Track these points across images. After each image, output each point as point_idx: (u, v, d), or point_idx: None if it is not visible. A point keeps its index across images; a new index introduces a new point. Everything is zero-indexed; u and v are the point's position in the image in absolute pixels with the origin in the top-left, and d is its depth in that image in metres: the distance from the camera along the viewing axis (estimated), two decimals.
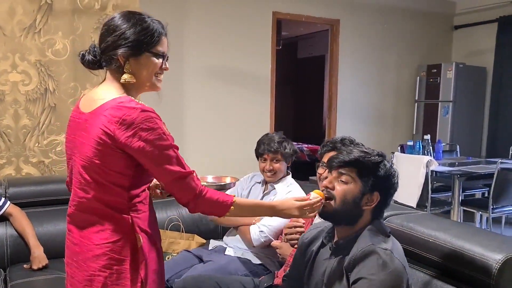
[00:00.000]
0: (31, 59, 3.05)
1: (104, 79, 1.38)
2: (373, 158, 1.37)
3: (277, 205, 1.43)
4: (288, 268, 1.67)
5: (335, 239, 1.44)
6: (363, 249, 1.29)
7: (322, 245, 1.48)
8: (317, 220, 1.67)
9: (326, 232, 1.48)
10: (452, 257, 1.53)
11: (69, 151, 1.38)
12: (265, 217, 2.17)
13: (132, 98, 1.30)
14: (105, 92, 1.32)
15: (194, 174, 1.32)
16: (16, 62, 3.03)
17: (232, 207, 1.35)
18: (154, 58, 1.33)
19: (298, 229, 1.88)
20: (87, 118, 1.31)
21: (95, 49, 1.33)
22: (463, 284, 1.51)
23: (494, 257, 1.42)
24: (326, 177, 1.69)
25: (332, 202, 1.39)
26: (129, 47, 1.29)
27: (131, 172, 1.29)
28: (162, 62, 1.36)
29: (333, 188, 1.39)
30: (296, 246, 1.86)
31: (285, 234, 1.93)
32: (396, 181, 1.41)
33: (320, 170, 1.93)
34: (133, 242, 1.32)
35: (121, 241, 1.30)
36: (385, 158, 1.42)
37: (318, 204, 1.38)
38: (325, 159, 1.89)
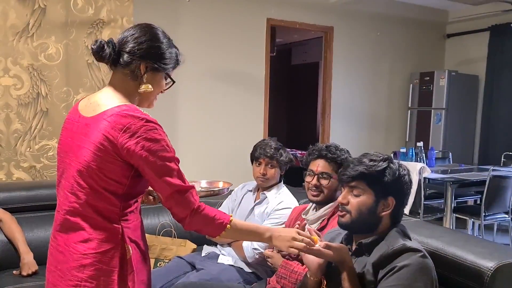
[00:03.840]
0: (24, 63, 3.04)
1: (108, 83, 1.38)
2: (377, 166, 1.41)
3: (274, 236, 1.38)
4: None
5: (354, 241, 1.46)
6: (394, 248, 1.33)
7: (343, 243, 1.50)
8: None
9: (344, 235, 1.51)
10: (444, 264, 1.53)
11: (62, 154, 1.35)
12: None
13: (137, 107, 1.30)
14: (109, 97, 1.31)
15: (194, 189, 1.30)
16: (8, 66, 3.01)
17: (228, 225, 1.32)
18: (164, 80, 1.39)
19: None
20: (88, 123, 1.29)
21: (115, 45, 1.33)
22: None
23: (486, 265, 1.43)
24: (314, 185, 1.88)
25: (348, 216, 1.43)
26: (157, 62, 1.33)
27: (127, 181, 1.28)
28: (168, 86, 1.42)
29: (347, 203, 1.43)
30: (287, 257, 1.84)
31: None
32: (407, 179, 1.44)
33: (307, 179, 1.94)
34: (122, 252, 1.28)
35: (111, 252, 1.27)
36: (391, 161, 1.44)
37: (309, 248, 1.33)
38: (312, 166, 1.93)
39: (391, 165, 1.42)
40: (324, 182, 1.88)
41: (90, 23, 3.21)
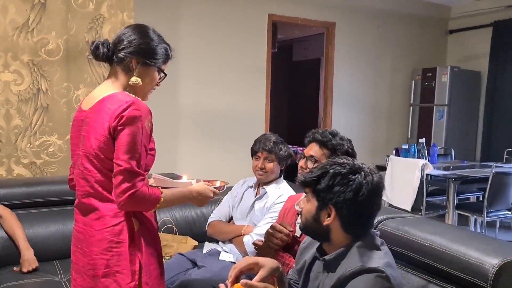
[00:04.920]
0: (24, 58, 3.02)
1: (106, 78, 1.55)
2: (312, 173, 1.35)
3: (193, 197, 1.57)
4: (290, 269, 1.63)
5: (325, 254, 1.40)
6: (351, 270, 1.25)
7: (317, 256, 1.45)
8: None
9: (319, 245, 1.45)
10: (448, 261, 1.51)
11: (74, 148, 1.53)
12: (258, 227, 2.17)
13: (128, 93, 1.47)
14: (104, 89, 1.49)
15: (143, 177, 1.41)
16: (8, 61, 2.99)
17: (161, 199, 1.44)
18: (157, 74, 1.55)
19: (281, 235, 1.79)
20: (87, 114, 1.47)
21: (110, 44, 1.49)
22: None
23: (490, 262, 1.40)
24: (301, 167, 1.81)
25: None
26: (147, 56, 1.49)
27: None
28: (160, 79, 1.57)
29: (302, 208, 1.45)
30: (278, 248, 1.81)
31: (268, 235, 1.82)
32: (358, 188, 1.29)
33: (300, 162, 1.86)
34: (130, 226, 1.44)
35: (119, 225, 1.43)
36: (337, 168, 1.32)
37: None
38: (306, 151, 1.86)
39: (332, 172, 1.31)
40: (310, 165, 1.78)
41: (91, 18, 3.19)
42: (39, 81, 3.07)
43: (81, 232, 1.49)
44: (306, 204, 1.38)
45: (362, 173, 1.32)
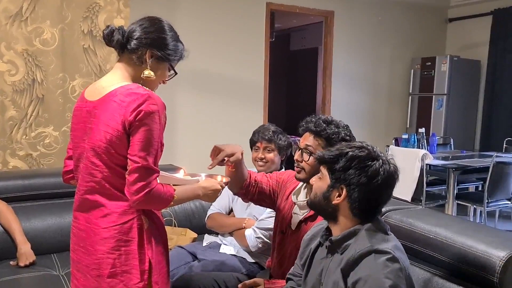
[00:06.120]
0: (18, 48, 2.96)
1: (114, 67, 1.46)
2: (332, 153, 1.35)
3: (203, 194, 1.52)
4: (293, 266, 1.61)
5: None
6: (360, 251, 1.25)
7: (320, 243, 1.44)
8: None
9: (323, 230, 1.44)
10: (453, 254, 1.49)
11: (76, 140, 1.45)
12: (260, 221, 2.14)
13: (140, 85, 1.40)
14: (114, 80, 1.41)
15: (158, 174, 1.38)
16: (1, 51, 2.93)
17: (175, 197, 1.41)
18: (167, 71, 1.51)
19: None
20: (96, 105, 1.39)
21: (125, 32, 1.43)
22: (465, 282, 1.46)
23: (497, 254, 1.38)
24: (296, 159, 1.74)
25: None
26: (163, 51, 1.44)
27: None
28: (170, 77, 1.54)
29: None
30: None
31: None
32: (376, 173, 1.29)
33: (296, 155, 1.75)
34: (139, 224, 1.39)
35: (129, 223, 1.37)
36: (355, 152, 1.32)
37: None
38: (301, 142, 1.76)
39: (350, 153, 1.31)
40: (306, 157, 1.68)
41: (86, 7, 3.12)
42: (34, 72, 3.02)
43: (83, 230, 1.41)
44: (318, 181, 1.39)
45: (380, 160, 1.33)
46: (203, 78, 4.55)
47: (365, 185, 1.30)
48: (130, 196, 1.32)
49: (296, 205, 1.77)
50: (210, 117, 4.64)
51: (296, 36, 8.19)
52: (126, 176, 1.33)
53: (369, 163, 1.31)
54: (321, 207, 1.38)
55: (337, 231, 1.36)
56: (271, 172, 2.25)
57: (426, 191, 3.94)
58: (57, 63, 3.06)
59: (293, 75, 8.41)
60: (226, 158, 1.65)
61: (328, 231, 1.42)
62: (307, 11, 5.18)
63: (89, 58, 3.14)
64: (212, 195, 1.54)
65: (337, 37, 5.34)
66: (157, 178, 1.37)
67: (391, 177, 1.34)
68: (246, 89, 4.81)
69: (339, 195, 1.33)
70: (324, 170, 1.37)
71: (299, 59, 8.22)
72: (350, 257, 1.26)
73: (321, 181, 1.37)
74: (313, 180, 1.43)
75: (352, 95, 5.56)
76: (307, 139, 1.72)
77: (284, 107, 8.54)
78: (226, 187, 2.28)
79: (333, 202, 1.34)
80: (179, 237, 2.46)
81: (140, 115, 1.31)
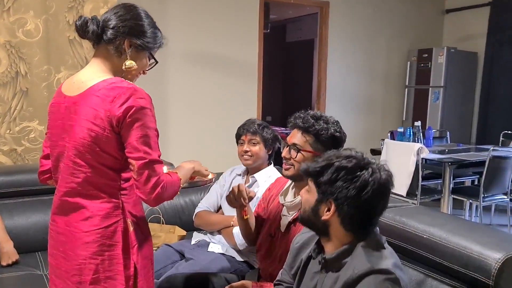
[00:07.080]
0: (0, 39, 2.86)
1: (91, 60, 1.38)
2: (318, 164, 1.26)
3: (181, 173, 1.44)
4: (280, 272, 1.53)
5: (324, 252, 1.31)
6: (359, 272, 1.17)
7: (312, 256, 1.36)
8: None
9: (314, 244, 1.36)
10: (447, 255, 1.43)
11: (54, 138, 1.37)
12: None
13: (122, 79, 1.33)
14: (93, 73, 1.33)
15: (162, 163, 1.33)
16: None
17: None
18: (147, 59, 1.42)
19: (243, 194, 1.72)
20: (76, 101, 1.31)
21: (100, 21, 1.34)
22: (459, 284, 1.41)
23: (493, 256, 1.32)
24: (284, 157, 1.66)
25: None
26: (141, 39, 1.36)
27: (123, 154, 1.29)
28: (150, 66, 1.46)
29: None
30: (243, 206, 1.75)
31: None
32: (363, 185, 1.19)
33: (283, 152, 1.69)
34: (124, 227, 1.32)
35: (112, 226, 1.30)
36: (342, 162, 1.23)
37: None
38: (289, 138, 1.69)
39: (336, 164, 1.22)
40: (294, 154, 1.62)
41: None
42: (18, 64, 2.93)
43: (62, 233, 1.33)
44: (306, 193, 1.31)
45: (370, 169, 1.22)
46: (195, 70, 4.46)
47: (355, 197, 1.20)
48: (147, 196, 1.26)
49: (284, 207, 1.71)
50: (201, 110, 4.55)
51: (292, 28, 8.10)
52: (134, 177, 1.27)
53: (358, 173, 1.21)
54: (311, 223, 1.29)
55: (330, 248, 1.28)
56: (258, 168, 2.20)
57: (421, 185, 3.88)
58: (41, 55, 2.97)
59: (289, 67, 8.33)
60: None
61: (319, 245, 1.33)
62: (302, 2, 5.10)
63: (74, 50, 3.05)
64: (198, 165, 1.52)
65: (332, 28, 5.25)
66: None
67: (383, 187, 1.23)
68: (240, 81, 4.72)
69: (328, 210, 1.24)
70: (310, 183, 1.28)
71: (295, 50, 8.14)
72: (349, 278, 1.18)
73: (309, 194, 1.29)
74: (301, 193, 1.34)
75: (348, 88, 5.48)
76: (295, 137, 1.65)
77: (279, 99, 8.47)
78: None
79: (323, 218, 1.24)
80: (167, 235, 2.39)
81: (131, 111, 1.25)
